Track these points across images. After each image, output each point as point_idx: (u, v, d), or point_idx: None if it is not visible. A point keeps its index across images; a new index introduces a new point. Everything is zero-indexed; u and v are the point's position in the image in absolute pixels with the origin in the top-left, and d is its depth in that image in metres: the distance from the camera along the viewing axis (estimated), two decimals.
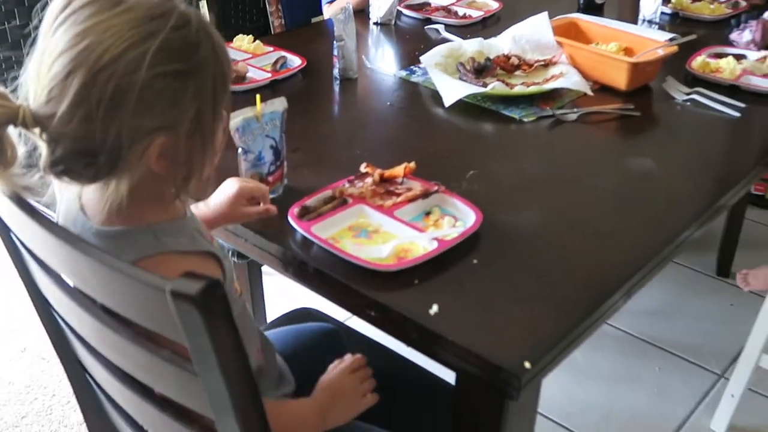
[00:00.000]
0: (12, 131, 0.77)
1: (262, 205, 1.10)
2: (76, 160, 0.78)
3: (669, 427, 1.92)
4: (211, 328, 0.64)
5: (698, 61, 1.75)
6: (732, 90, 1.65)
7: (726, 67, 1.73)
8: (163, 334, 0.70)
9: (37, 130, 0.77)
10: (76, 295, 0.82)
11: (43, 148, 0.78)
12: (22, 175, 0.80)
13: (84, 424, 1.38)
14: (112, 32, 0.75)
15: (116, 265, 0.67)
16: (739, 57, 1.78)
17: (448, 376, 1.02)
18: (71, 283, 0.84)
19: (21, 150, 0.79)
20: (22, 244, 0.88)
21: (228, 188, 1.07)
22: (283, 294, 1.91)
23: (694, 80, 1.70)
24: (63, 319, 0.95)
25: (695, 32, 1.94)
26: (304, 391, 1.11)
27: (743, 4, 2.23)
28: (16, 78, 0.80)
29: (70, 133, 0.76)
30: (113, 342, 0.80)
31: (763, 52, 1.80)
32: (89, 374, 1.04)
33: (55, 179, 0.82)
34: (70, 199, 0.89)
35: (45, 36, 0.78)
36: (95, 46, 0.74)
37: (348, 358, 1.15)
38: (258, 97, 1.14)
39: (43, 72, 0.76)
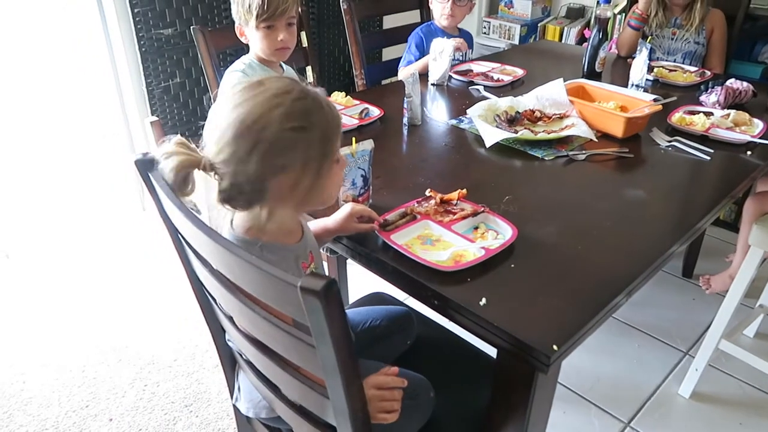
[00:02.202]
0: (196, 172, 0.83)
1: (368, 222, 1.09)
2: (234, 191, 0.82)
3: (647, 391, 1.84)
4: (328, 313, 0.63)
5: (676, 117, 1.68)
6: (703, 139, 1.57)
7: (698, 122, 1.64)
8: (292, 317, 0.69)
9: (212, 173, 0.82)
10: (225, 282, 0.81)
11: (216, 185, 0.83)
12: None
13: (217, 367, 1.37)
14: (253, 103, 0.80)
15: (261, 265, 0.66)
16: (707, 114, 1.70)
17: (489, 350, 0.98)
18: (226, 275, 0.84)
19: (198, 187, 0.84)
20: (188, 243, 0.88)
21: (345, 209, 1.07)
22: (361, 280, 1.89)
23: (673, 131, 1.62)
24: (212, 297, 0.95)
25: (673, 95, 1.86)
26: (372, 355, 1.10)
27: (708, 74, 2.14)
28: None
29: (230, 172, 0.81)
30: (251, 318, 0.79)
31: (726, 111, 1.71)
32: (228, 336, 1.04)
33: (222, 207, 0.86)
34: (226, 221, 0.92)
35: (217, 110, 0.83)
36: (244, 113, 0.79)
37: (385, 371, 0.96)
38: (353, 139, 1.13)
39: (215, 133, 0.81)
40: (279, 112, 0.79)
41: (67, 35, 2.34)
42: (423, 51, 2.20)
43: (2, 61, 2.15)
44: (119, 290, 2.24)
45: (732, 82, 1.83)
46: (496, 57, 2.39)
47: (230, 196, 0.83)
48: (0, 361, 1.90)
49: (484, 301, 0.92)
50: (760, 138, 1.56)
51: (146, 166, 0.88)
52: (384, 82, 2.47)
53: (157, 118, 2.47)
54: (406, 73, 2.13)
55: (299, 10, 1.60)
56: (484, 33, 3.42)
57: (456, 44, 1.96)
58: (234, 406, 1.16)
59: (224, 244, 0.71)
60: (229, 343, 1.06)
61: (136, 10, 2.29)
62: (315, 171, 0.84)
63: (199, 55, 1.77)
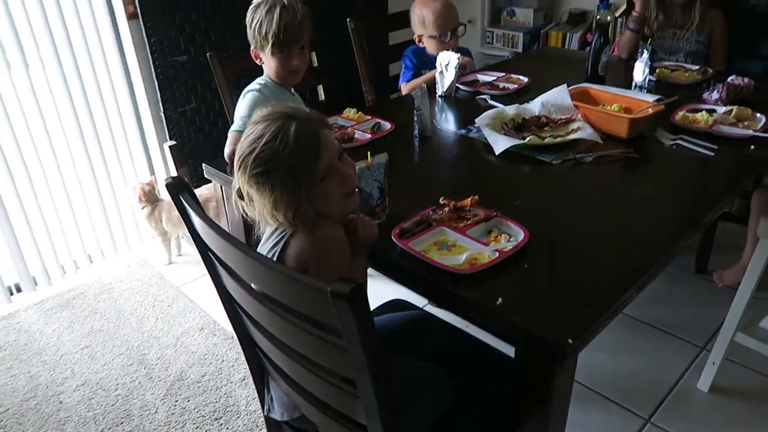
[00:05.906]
0: None
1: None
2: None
3: (666, 386, 1.85)
4: (357, 315, 0.67)
5: (680, 115, 1.71)
6: (706, 136, 1.60)
7: (701, 119, 1.68)
8: (322, 321, 0.73)
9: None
10: (254, 293, 0.86)
11: None
12: None
13: (244, 380, 1.39)
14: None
15: (290, 273, 0.71)
16: (710, 111, 1.73)
17: (506, 349, 1.02)
18: (253, 286, 0.89)
19: None
20: (218, 259, 0.93)
21: None
22: (379, 289, 1.92)
23: (677, 129, 1.66)
24: (241, 308, 0.99)
25: (676, 94, 1.89)
26: (399, 356, 1.13)
27: (710, 71, 2.17)
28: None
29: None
30: (281, 325, 0.84)
31: (729, 107, 1.74)
32: (257, 345, 1.09)
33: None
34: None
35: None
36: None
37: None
38: (369, 152, 1.18)
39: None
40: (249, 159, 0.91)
41: (87, 69, 2.42)
42: (415, 66, 2.26)
43: (22, 95, 2.24)
44: (144, 308, 2.30)
45: (733, 79, 1.87)
46: (501, 66, 2.44)
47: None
48: (36, 383, 1.97)
49: (500, 300, 0.96)
50: (763, 132, 1.59)
51: (177, 188, 0.94)
52: (392, 96, 2.52)
53: (174, 142, 2.54)
54: (410, 87, 2.19)
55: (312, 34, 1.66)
56: (488, 43, 3.48)
57: (461, 60, 2.01)
58: (265, 416, 1.20)
59: (254, 256, 0.76)
60: (259, 352, 1.10)
61: (152, 40, 2.38)
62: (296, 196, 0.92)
63: (215, 80, 1.84)
